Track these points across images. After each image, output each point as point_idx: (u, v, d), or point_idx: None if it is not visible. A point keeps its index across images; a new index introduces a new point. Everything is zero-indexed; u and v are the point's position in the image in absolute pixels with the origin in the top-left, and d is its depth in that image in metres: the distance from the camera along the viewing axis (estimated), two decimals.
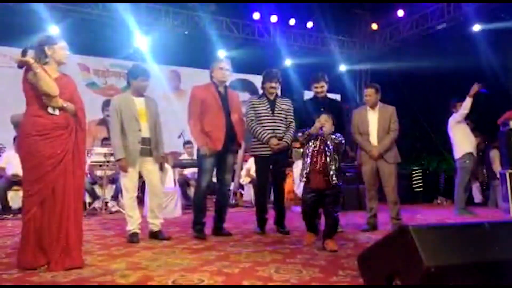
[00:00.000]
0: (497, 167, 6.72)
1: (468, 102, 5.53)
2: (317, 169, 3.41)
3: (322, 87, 4.24)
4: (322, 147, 3.45)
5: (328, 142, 3.43)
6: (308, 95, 6.44)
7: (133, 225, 3.67)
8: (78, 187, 2.83)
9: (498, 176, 6.44)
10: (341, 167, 3.59)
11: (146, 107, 3.78)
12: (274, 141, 4.01)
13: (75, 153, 2.78)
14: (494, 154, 6.88)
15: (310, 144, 3.50)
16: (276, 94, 4.26)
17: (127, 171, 3.67)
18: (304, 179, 3.48)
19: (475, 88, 5.48)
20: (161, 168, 3.91)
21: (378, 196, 4.49)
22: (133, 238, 3.61)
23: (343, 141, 3.48)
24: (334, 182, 3.35)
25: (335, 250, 3.15)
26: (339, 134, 3.51)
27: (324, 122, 3.47)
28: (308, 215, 3.55)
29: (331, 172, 3.35)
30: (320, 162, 3.41)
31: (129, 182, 3.72)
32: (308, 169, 3.45)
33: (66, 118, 2.75)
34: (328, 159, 3.39)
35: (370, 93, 4.48)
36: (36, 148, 2.63)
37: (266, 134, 4.03)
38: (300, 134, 3.64)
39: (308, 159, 3.46)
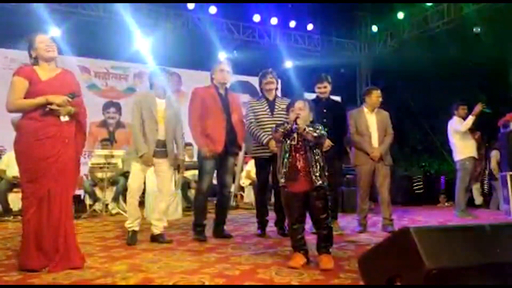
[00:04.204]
0: (495, 167, 6.73)
1: (470, 120, 5.60)
2: (297, 169, 2.82)
3: (325, 87, 4.25)
4: (301, 142, 2.84)
5: (306, 135, 2.79)
6: (308, 97, 6.43)
7: (132, 222, 3.66)
8: (74, 188, 2.87)
9: (497, 177, 6.45)
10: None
11: (165, 109, 3.76)
12: (273, 142, 3.99)
13: (71, 154, 2.78)
14: (494, 155, 6.87)
15: (288, 140, 2.88)
16: (276, 95, 4.26)
17: (152, 164, 3.67)
18: (283, 184, 2.87)
19: (478, 107, 5.56)
20: (178, 171, 3.88)
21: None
22: (131, 239, 3.60)
23: (318, 130, 2.79)
24: (318, 183, 2.77)
25: (329, 269, 2.63)
26: (318, 124, 2.87)
27: (299, 111, 2.84)
28: (295, 230, 2.87)
29: (314, 172, 2.78)
30: (300, 160, 2.83)
31: (134, 183, 3.70)
32: (286, 170, 2.85)
33: (59, 121, 2.73)
34: (308, 156, 2.81)
35: (380, 95, 4.53)
36: (30, 150, 2.66)
37: (265, 136, 4.01)
38: (275, 129, 2.96)
39: (286, 158, 2.86)
